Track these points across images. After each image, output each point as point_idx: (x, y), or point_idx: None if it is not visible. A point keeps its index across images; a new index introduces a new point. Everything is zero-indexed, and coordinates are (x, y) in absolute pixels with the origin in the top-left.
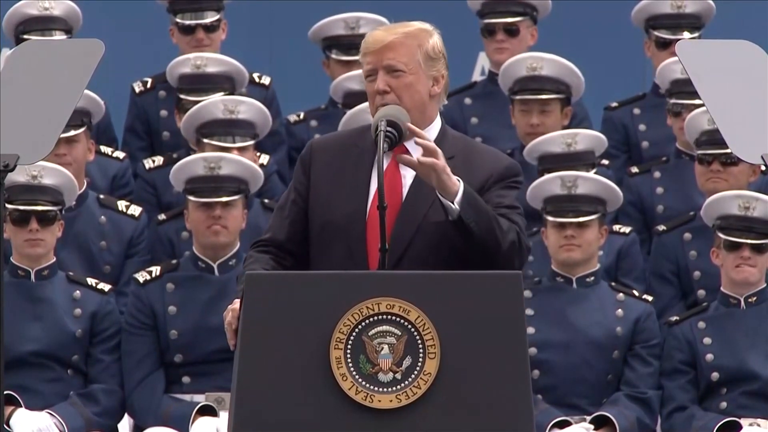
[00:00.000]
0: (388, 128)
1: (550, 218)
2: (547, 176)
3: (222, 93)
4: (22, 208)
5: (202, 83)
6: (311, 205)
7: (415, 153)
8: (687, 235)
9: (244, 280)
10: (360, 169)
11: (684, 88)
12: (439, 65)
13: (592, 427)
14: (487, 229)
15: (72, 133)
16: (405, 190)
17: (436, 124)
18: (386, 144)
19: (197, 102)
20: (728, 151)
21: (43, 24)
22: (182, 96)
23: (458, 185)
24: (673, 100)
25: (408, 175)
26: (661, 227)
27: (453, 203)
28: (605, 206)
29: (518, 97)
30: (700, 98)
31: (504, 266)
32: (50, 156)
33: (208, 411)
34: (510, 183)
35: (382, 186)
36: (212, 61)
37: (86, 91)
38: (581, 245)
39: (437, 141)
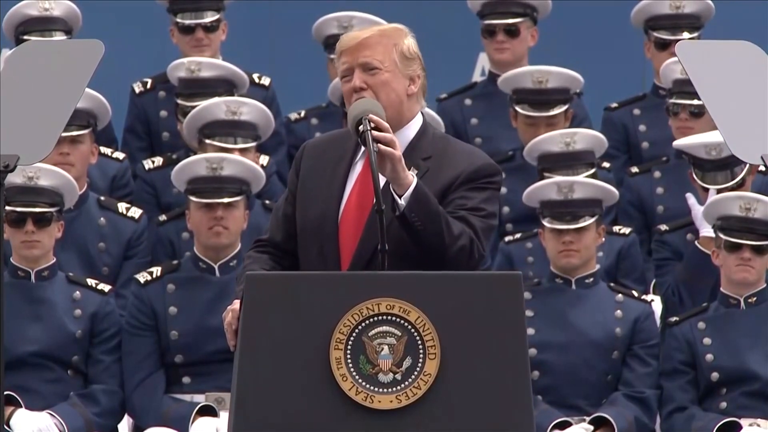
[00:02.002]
0: (372, 124)
1: (547, 224)
2: (542, 182)
3: (218, 97)
4: (18, 209)
5: (198, 87)
6: (297, 205)
7: None
8: (690, 236)
9: (243, 281)
10: (338, 169)
11: (683, 88)
12: (414, 65)
13: (591, 428)
14: (434, 230)
15: (77, 133)
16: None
17: (415, 124)
18: (374, 141)
19: (193, 106)
20: (697, 102)
21: (43, 25)
22: (179, 101)
23: (411, 180)
24: (671, 100)
25: (383, 178)
26: (663, 227)
27: (401, 198)
28: (602, 207)
29: (525, 113)
30: (697, 98)
31: (450, 270)
32: (54, 155)
33: (208, 411)
34: (480, 184)
35: (378, 188)
36: (206, 65)
37: (95, 94)
38: (579, 250)
39: (415, 140)
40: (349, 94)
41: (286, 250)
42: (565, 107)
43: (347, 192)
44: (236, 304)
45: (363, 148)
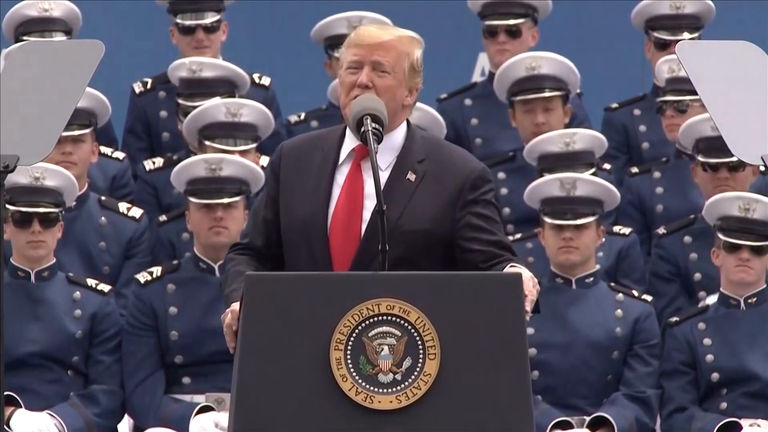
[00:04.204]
0: (374, 124)
1: (548, 220)
2: (545, 178)
3: (219, 97)
4: (24, 209)
5: (199, 88)
6: (280, 209)
7: (382, 154)
8: (687, 238)
9: (231, 282)
10: (322, 171)
11: (673, 86)
12: (418, 78)
13: None
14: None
15: (79, 132)
16: (365, 194)
17: (401, 129)
18: (375, 142)
19: (195, 107)
20: (680, 98)
21: (43, 25)
22: (180, 101)
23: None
24: (659, 99)
25: (368, 180)
26: (662, 230)
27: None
28: (602, 207)
29: (520, 98)
30: (682, 95)
31: None
32: (56, 155)
33: (208, 412)
34: (486, 196)
35: (380, 189)
36: (208, 65)
37: (95, 92)
38: (579, 247)
39: (407, 144)
40: (350, 87)
41: (266, 255)
42: (559, 93)
43: (335, 193)
44: (235, 305)
45: (349, 147)
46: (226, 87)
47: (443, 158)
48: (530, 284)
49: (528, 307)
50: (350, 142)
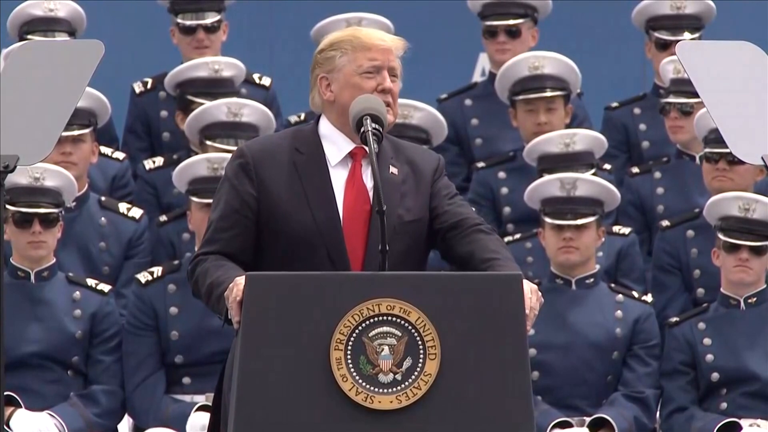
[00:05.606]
0: (374, 124)
1: (548, 220)
2: (545, 178)
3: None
4: (24, 210)
5: (218, 87)
6: (266, 216)
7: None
8: (690, 233)
9: (215, 286)
10: (318, 173)
11: (678, 87)
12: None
13: None
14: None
15: (79, 132)
16: (371, 194)
17: None
18: (375, 142)
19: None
20: (686, 100)
21: (47, 25)
22: (193, 98)
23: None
24: (663, 99)
25: (369, 179)
26: (665, 223)
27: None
28: (603, 208)
29: (522, 98)
30: (687, 96)
31: None
32: (56, 155)
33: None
34: (446, 175)
35: (379, 188)
36: (228, 65)
37: (95, 92)
38: (579, 248)
39: (380, 145)
40: (370, 92)
41: (238, 261)
42: (561, 93)
43: (338, 195)
44: (240, 279)
45: (337, 148)
46: (235, 87)
47: (402, 149)
48: (533, 299)
49: (529, 325)
50: (337, 142)
